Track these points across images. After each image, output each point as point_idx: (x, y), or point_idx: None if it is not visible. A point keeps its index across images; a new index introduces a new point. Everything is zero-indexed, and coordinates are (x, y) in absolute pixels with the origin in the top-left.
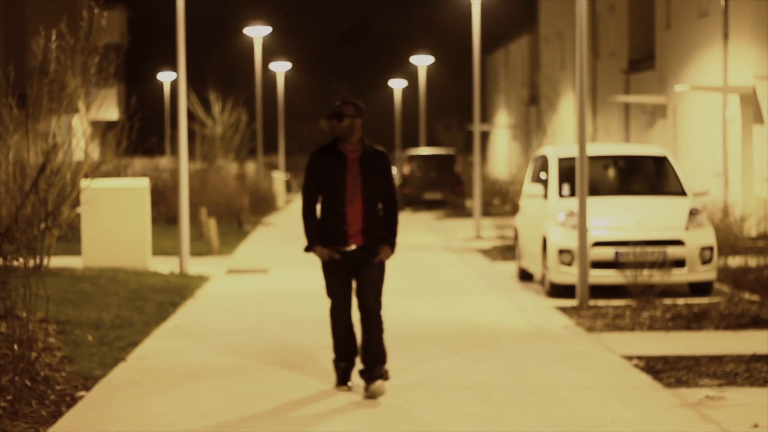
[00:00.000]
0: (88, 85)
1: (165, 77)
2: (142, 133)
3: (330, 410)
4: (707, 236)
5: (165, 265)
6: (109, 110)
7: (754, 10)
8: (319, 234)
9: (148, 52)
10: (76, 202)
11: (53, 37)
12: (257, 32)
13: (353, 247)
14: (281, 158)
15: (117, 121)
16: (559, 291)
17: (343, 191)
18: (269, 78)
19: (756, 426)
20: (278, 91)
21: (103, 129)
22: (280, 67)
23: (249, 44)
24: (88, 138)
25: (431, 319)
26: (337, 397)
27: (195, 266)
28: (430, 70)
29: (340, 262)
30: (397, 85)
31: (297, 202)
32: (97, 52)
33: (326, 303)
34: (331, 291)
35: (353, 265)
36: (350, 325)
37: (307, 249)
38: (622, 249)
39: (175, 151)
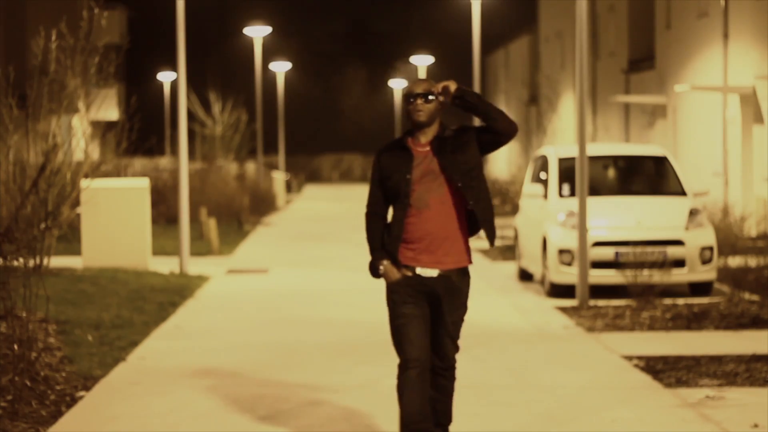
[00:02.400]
0: (88, 85)
1: (165, 77)
2: (142, 133)
3: (330, 410)
4: (707, 236)
5: (165, 265)
6: (109, 110)
7: (754, 10)
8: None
9: (148, 52)
10: (76, 202)
11: (53, 37)
12: (257, 32)
13: (434, 273)
14: (281, 158)
15: (117, 121)
16: (559, 291)
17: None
18: (269, 78)
19: (756, 426)
20: (278, 91)
21: (103, 129)
22: (280, 67)
23: (249, 44)
24: (88, 138)
25: None
26: (336, 396)
27: (195, 266)
28: (431, 70)
29: (415, 286)
30: (397, 85)
31: (297, 202)
32: (97, 52)
33: (327, 301)
34: (400, 329)
35: (429, 298)
36: (427, 383)
37: (371, 267)
38: (622, 249)
39: (175, 151)
